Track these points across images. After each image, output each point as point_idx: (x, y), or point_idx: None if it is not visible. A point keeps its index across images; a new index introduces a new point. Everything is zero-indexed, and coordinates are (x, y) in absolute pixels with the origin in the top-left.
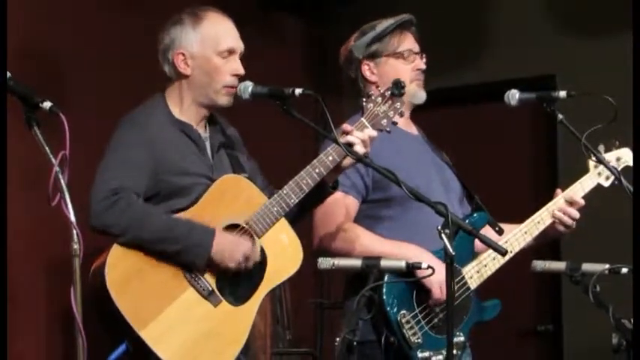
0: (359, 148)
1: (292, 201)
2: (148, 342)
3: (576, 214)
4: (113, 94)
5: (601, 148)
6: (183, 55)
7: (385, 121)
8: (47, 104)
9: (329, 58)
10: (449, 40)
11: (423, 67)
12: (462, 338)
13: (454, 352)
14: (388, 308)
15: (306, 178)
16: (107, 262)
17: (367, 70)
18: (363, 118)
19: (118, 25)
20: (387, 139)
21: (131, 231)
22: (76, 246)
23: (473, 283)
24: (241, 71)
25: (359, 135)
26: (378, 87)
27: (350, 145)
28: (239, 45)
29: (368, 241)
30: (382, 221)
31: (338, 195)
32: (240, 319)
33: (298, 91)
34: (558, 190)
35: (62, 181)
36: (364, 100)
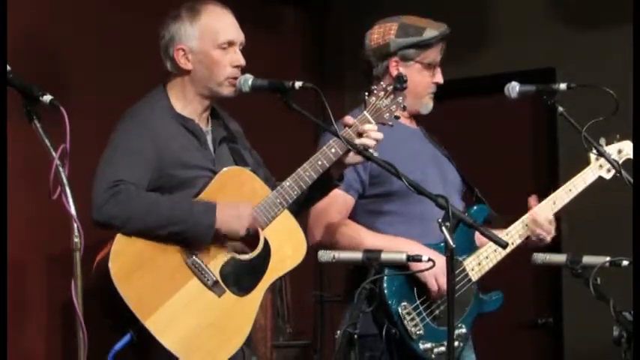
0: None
1: (295, 193)
2: (152, 332)
3: (549, 230)
4: (113, 88)
5: (602, 141)
6: (183, 50)
7: (388, 115)
8: (47, 97)
9: (329, 50)
10: (449, 33)
11: (441, 81)
12: (463, 330)
13: (455, 343)
14: (389, 300)
15: (309, 170)
16: (111, 253)
17: (394, 67)
18: (365, 112)
19: (119, 20)
20: (385, 132)
21: (134, 220)
22: (76, 239)
23: (474, 276)
24: (242, 62)
25: (374, 135)
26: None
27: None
28: (239, 36)
29: (364, 237)
30: (382, 216)
31: (334, 192)
32: (243, 310)
33: (298, 84)
34: (532, 199)
35: (63, 175)
36: (367, 93)
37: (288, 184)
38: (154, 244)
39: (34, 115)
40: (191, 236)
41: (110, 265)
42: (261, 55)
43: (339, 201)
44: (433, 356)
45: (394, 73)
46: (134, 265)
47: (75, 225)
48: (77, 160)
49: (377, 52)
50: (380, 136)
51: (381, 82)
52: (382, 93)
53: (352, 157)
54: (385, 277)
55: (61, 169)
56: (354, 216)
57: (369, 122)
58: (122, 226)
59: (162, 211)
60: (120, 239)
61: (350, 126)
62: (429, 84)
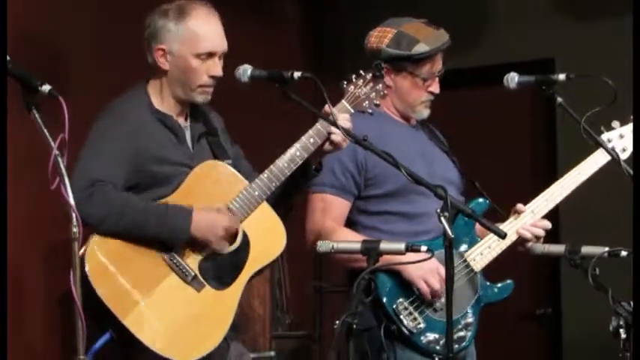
0: (336, 137)
1: (274, 185)
2: (131, 329)
3: (541, 233)
4: (112, 78)
5: (616, 124)
6: (163, 50)
7: (367, 102)
8: (46, 88)
9: (328, 40)
10: (448, 23)
11: (437, 91)
12: (470, 319)
13: (463, 333)
14: (384, 299)
15: (288, 162)
16: (86, 252)
17: (386, 73)
18: (343, 101)
19: (118, 8)
20: (371, 126)
21: (109, 220)
22: (75, 229)
23: (476, 265)
24: (219, 73)
25: (343, 125)
26: (389, 88)
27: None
28: (221, 46)
29: None
30: (380, 215)
31: (329, 197)
32: (224, 303)
33: (297, 74)
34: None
35: (61, 165)
36: (345, 82)
37: (266, 176)
38: (131, 242)
39: (33, 105)
40: (165, 239)
41: (86, 263)
42: (260, 45)
43: (332, 207)
44: (438, 348)
45: (387, 80)
46: (110, 263)
47: (73, 214)
48: (76, 150)
49: (371, 56)
50: (348, 125)
51: (360, 70)
52: (361, 81)
53: (329, 146)
54: (378, 276)
55: (59, 159)
56: (352, 216)
57: (348, 111)
58: (98, 224)
59: (136, 213)
60: (95, 238)
61: (328, 115)
62: (422, 94)
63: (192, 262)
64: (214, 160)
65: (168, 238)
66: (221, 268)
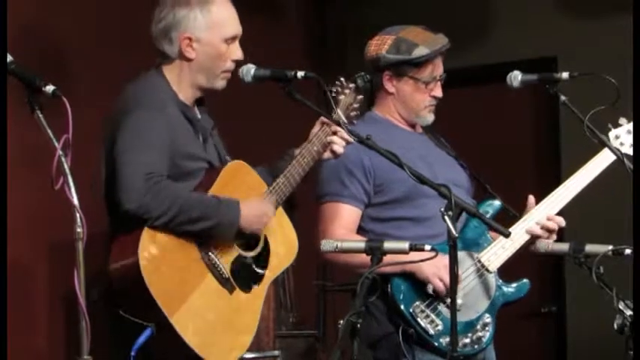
0: (338, 149)
1: (288, 191)
2: (177, 328)
3: (555, 227)
4: (115, 77)
5: (623, 120)
6: (190, 39)
7: (354, 113)
8: (50, 88)
9: (331, 38)
10: (451, 22)
11: (440, 95)
12: (488, 319)
13: (480, 333)
14: (401, 304)
15: (298, 169)
16: (140, 248)
17: (387, 80)
18: (339, 111)
19: (120, 5)
20: (374, 132)
21: (169, 214)
22: (79, 229)
23: (491, 265)
24: (241, 56)
25: (344, 136)
26: (392, 95)
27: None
28: (240, 30)
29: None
30: (391, 221)
31: (339, 206)
32: (250, 307)
33: (300, 73)
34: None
35: (65, 165)
36: (333, 90)
37: (282, 181)
38: (175, 239)
39: (37, 105)
40: (216, 232)
41: (140, 259)
42: (262, 42)
43: (343, 215)
44: (458, 349)
45: (389, 87)
46: (160, 260)
47: (77, 215)
48: (78, 150)
49: (371, 65)
50: (349, 138)
51: (341, 78)
52: (347, 91)
53: (329, 154)
54: (392, 281)
55: (63, 159)
56: (363, 224)
57: (343, 123)
58: (157, 218)
59: (193, 208)
60: (146, 233)
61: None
62: (425, 98)
63: (226, 263)
64: (238, 161)
65: (219, 231)
66: (247, 271)
